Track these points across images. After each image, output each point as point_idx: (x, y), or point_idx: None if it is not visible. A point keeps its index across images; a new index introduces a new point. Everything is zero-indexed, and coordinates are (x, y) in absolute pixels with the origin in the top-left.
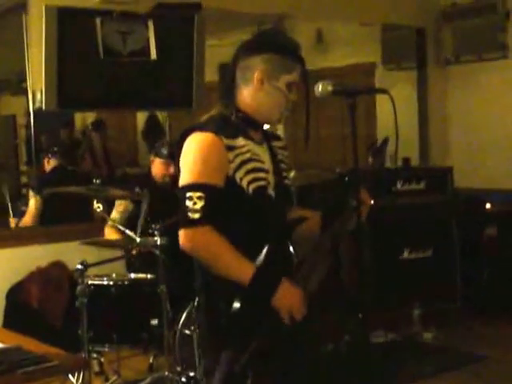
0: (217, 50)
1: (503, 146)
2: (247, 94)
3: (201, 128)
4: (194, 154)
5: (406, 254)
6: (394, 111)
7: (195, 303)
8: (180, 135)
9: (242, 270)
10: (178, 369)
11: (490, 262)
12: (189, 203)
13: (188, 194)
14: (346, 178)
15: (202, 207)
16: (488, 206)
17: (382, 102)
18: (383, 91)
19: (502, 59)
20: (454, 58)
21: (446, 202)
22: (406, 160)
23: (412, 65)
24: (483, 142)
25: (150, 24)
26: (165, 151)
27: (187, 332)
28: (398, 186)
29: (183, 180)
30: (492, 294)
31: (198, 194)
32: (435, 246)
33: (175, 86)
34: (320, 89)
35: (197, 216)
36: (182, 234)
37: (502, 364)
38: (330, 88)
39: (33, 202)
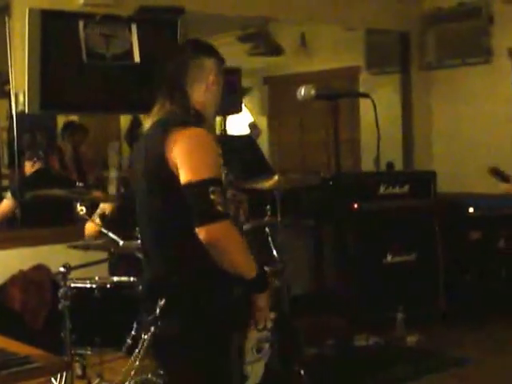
0: None
1: (487, 150)
2: (200, 93)
3: (190, 123)
4: (204, 149)
5: (389, 258)
6: (376, 115)
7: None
8: (162, 131)
9: (251, 265)
10: (161, 372)
11: (473, 266)
12: (214, 197)
13: (211, 189)
14: (331, 183)
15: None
16: (471, 210)
17: (365, 106)
18: (365, 95)
19: (485, 64)
20: (438, 62)
21: (430, 206)
22: (390, 164)
23: (396, 69)
24: (467, 146)
25: (133, 27)
26: None
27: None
28: (382, 190)
29: (199, 174)
30: (475, 297)
31: (219, 188)
32: (419, 249)
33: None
34: (303, 92)
35: (223, 210)
36: (210, 228)
37: (484, 367)
38: (312, 92)
39: (4, 204)
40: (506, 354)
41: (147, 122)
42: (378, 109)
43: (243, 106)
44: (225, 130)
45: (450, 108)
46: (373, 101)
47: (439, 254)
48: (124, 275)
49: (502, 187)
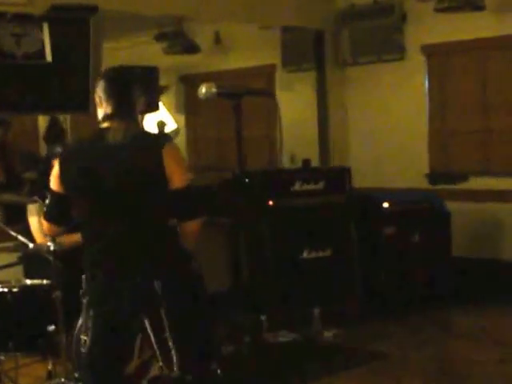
0: (115, 53)
1: (400, 145)
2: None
3: (170, 140)
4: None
5: (305, 254)
6: (279, 114)
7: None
8: (153, 141)
9: None
10: (76, 375)
11: (388, 261)
12: None
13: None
14: (246, 180)
15: None
16: (386, 205)
17: (283, 102)
18: (267, 93)
19: (399, 60)
20: (353, 59)
21: (344, 202)
22: (306, 161)
23: (311, 66)
24: (382, 142)
25: (45, 26)
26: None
27: (84, 337)
28: (297, 186)
29: (189, 181)
30: (390, 292)
31: None
32: (334, 245)
33: (72, 89)
34: (204, 91)
35: None
36: (199, 220)
37: (399, 360)
38: (213, 90)
39: None
40: (420, 347)
41: (115, 134)
42: (295, 106)
43: (160, 104)
44: (142, 128)
45: (365, 104)
46: (275, 99)
47: (354, 250)
48: (40, 278)
49: None
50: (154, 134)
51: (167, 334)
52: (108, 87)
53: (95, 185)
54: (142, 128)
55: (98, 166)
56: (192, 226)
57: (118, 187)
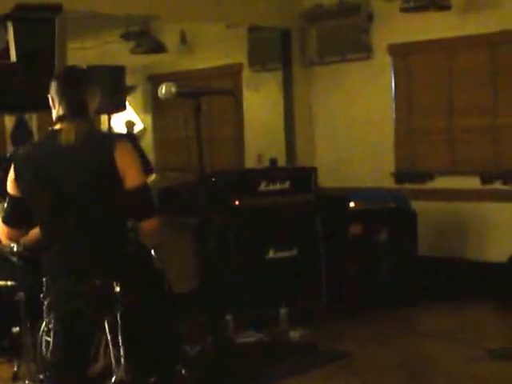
0: (82, 52)
1: (367, 144)
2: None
3: (124, 138)
4: (138, 158)
5: (271, 254)
6: (238, 112)
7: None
8: (104, 141)
9: None
10: (41, 377)
11: (354, 260)
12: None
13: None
14: (213, 179)
15: None
16: (352, 204)
17: (248, 103)
18: (228, 92)
19: (365, 60)
20: (319, 58)
21: (311, 202)
22: (273, 160)
23: (278, 66)
24: (347, 142)
25: (10, 26)
26: None
27: (48, 339)
28: (263, 186)
29: (144, 179)
30: (356, 291)
31: None
32: (300, 245)
33: (37, 88)
34: (164, 90)
35: None
36: (157, 219)
37: (365, 359)
38: (173, 90)
39: None
40: (387, 347)
41: (67, 135)
42: (262, 105)
43: (127, 104)
44: (110, 128)
45: (332, 103)
46: (235, 98)
47: (321, 249)
48: (5, 279)
49: None
50: (106, 134)
51: (119, 338)
52: (60, 88)
53: (49, 187)
54: (95, 128)
55: (52, 169)
56: (149, 226)
57: (72, 189)
